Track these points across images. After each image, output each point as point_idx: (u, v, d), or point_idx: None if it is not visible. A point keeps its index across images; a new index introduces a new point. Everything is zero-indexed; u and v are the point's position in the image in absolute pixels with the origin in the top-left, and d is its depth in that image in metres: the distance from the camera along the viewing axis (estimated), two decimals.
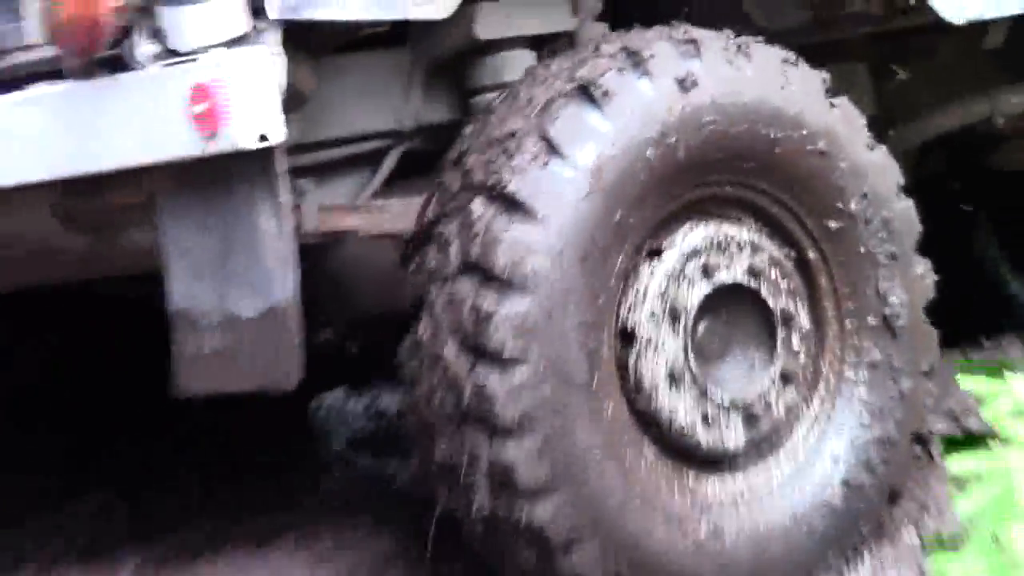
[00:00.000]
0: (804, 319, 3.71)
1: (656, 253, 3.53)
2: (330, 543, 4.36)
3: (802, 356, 3.72)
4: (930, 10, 4.19)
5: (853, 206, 3.73)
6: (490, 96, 3.75)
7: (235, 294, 3.40)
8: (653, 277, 3.52)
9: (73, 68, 3.26)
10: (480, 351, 3.22)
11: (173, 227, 3.43)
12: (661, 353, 3.47)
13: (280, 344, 3.41)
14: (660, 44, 3.53)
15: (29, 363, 5.57)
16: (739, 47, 3.61)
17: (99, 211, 3.63)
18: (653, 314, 3.48)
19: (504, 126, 3.41)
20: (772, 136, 3.61)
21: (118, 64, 3.25)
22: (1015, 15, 4.52)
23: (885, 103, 4.77)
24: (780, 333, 3.67)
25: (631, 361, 3.47)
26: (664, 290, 3.49)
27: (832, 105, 3.71)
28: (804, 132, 3.63)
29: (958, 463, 2.41)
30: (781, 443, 3.73)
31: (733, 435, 3.60)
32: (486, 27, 3.84)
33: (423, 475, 3.74)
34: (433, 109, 4.04)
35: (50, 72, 3.35)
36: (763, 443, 3.68)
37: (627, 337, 3.47)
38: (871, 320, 3.80)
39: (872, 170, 3.77)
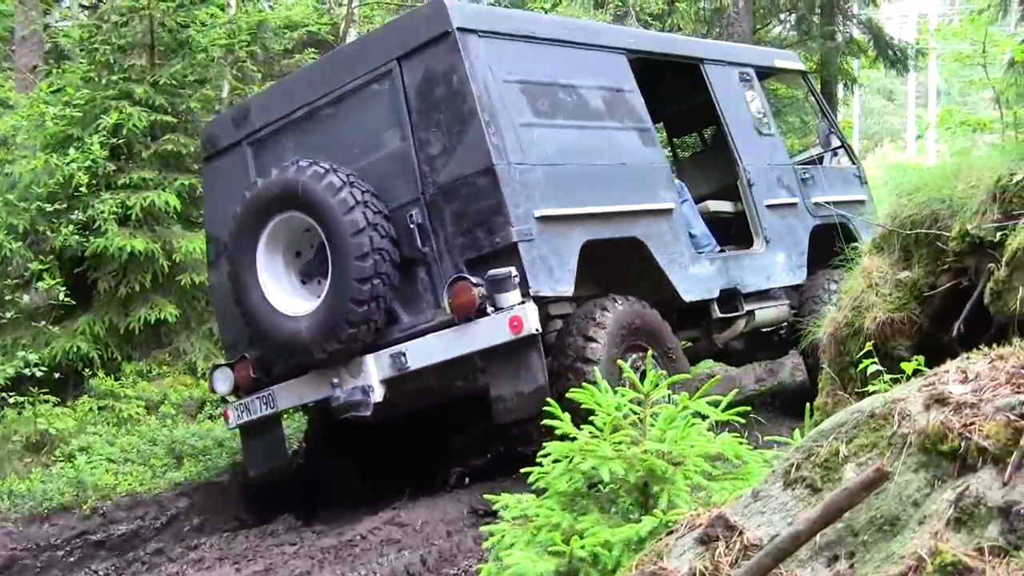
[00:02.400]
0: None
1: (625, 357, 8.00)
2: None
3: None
4: (677, 294, 9.12)
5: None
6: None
7: (522, 384, 7.69)
8: (626, 360, 7.23)
9: (462, 320, 7.75)
10: (585, 354, 8.01)
11: (492, 367, 7.85)
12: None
13: (540, 398, 7.08)
14: (611, 301, 8.40)
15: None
16: (617, 299, 8.45)
17: (470, 369, 8.23)
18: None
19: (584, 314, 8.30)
20: (641, 321, 8.52)
21: (480, 315, 7.68)
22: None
23: None
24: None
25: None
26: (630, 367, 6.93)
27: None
28: (648, 315, 8.65)
29: None
30: None
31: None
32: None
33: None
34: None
35: (447, 324, 7.92)
36: None
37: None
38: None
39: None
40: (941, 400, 2.80)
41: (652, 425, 4.15)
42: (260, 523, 9.50)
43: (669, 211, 9.28)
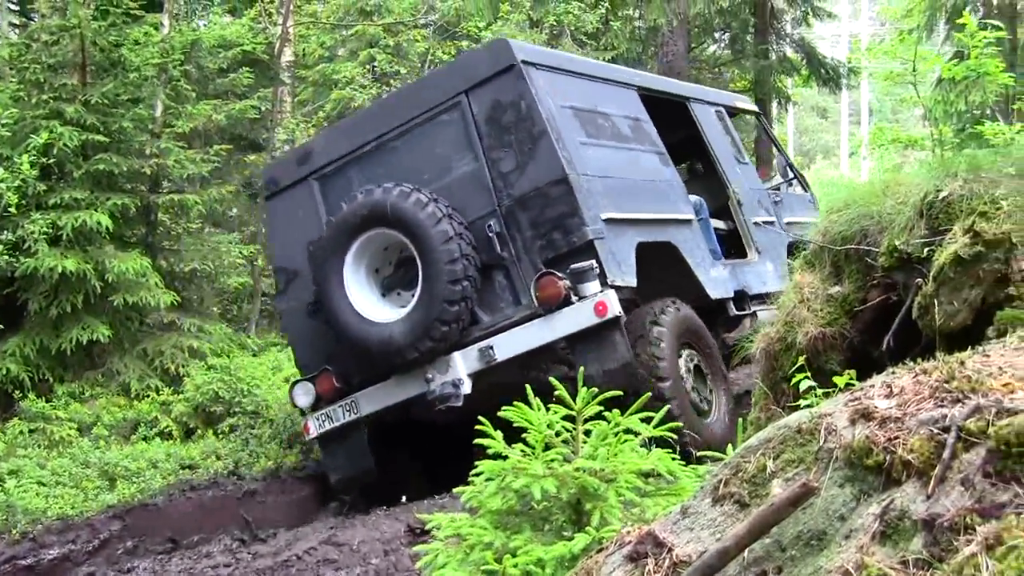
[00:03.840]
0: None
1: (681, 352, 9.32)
2: None
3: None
4: (705, 293, 10.13)
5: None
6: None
7: (607, 361, 8.58)
8: (680, 357, 9.24)
9: (548, 311, 8.65)
10: (653, 348, 8.96)
11: (580, 347, 8.69)
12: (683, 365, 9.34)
13: (627, 374, 8.54)
14: (669, 303, 9.47)
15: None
16: (673, 302, 9.56)
17: (548, 359, 9.16)
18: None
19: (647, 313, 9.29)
20: (689, 322, 9.54)
21: (565, 304, 8.60)
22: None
23: None
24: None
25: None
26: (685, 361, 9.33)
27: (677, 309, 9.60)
28: (693, 317, 9.74)
29: None
30: None
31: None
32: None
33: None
34: None
35: (531, 317, 8.84)
36: None
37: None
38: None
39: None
40: (866, 415, 2.82)
41: (585, 442, 4.15)
42: (195, 545, 9.41)
43: (689, 221, 10.57)
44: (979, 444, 2.55)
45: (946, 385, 2.80)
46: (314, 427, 9.84)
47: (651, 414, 4.23)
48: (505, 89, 9.22)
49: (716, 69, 25.81)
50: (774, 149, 14.77)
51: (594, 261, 8.63)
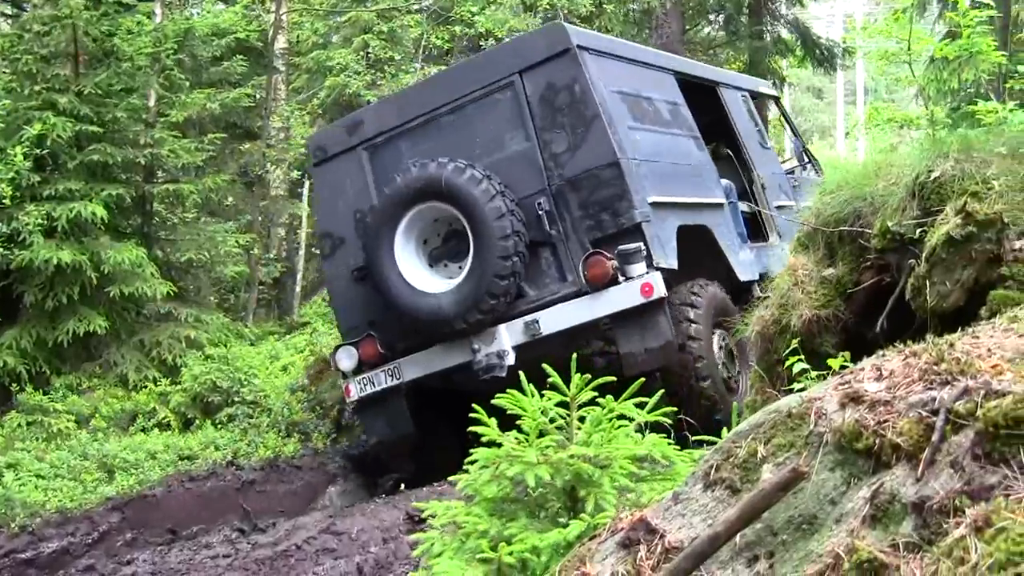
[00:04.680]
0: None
1: (714, 332, 9.87)
2: None
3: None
4: (735, 275, 10.51)
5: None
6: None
7: (649, 340, 9.02)
8: (714, 336, 9.75)
9: (595, 289, 9.04)
10: (690, 328, 9.42)
11: (624, 325, 9.12)
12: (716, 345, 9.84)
13: (668, 353, 9.08)
14: (704, 283, 9.93)
15: None
16: (707, 282, 9.97)
17: (590, 335, 9.71)
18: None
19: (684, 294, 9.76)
20: (721, 302, 9.95)
21: (612, 284, 8.99)
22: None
23: None
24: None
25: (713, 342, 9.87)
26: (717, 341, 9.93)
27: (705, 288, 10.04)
28: (724, 297, 10.14)
29: None
30: None
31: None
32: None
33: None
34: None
35: (576, 294, 9.22)
36: None
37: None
38: None
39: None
40: (856, 398, 2.82)
41: (579, 429, 4.15)
42: (194, 536, 9.42)
43: (722, 205, 10.97)
44: (968, 426, 2.55)
45: (935, 367, 2.80)
46: (355, 390, 10.09)
47: (645, 399, 4.23)
48: (559, 72, 9.50)
49: (710, 51, 25.76)
50: (790, 133, 15.34)
51: (642, 243, 9.00)
